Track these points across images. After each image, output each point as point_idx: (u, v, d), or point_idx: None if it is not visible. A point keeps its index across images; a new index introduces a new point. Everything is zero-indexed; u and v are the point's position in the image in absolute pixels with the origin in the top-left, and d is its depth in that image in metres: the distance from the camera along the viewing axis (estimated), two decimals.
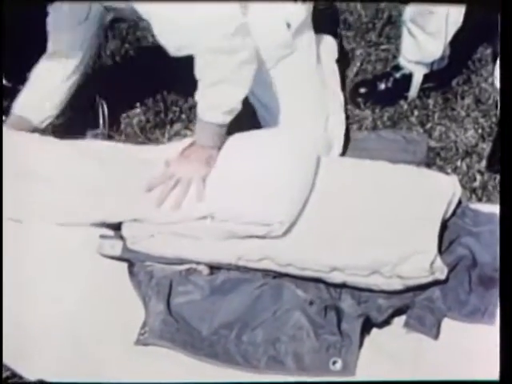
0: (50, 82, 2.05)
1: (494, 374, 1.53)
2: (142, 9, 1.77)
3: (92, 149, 1.99)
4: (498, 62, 2.22)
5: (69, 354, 1.68)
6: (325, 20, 2.33)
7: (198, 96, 1.85)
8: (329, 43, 2.31)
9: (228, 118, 1.86)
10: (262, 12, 2.03)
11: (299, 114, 2.08)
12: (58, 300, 1.76)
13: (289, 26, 2.08)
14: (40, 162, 1.91)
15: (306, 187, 1.88)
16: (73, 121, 2.19)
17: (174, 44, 1.78)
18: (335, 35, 2.35)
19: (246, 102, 1.94)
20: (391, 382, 1.63)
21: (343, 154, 2.14)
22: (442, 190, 1.92)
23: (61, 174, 1.90)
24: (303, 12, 2.11)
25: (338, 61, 2.30)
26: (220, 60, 1.77)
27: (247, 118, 2.03)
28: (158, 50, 1.84)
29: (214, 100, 1.84)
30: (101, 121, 2.18)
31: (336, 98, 2.22)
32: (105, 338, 1.71)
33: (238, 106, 1.86)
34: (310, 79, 2.14)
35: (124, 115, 2.30)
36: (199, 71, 1.80)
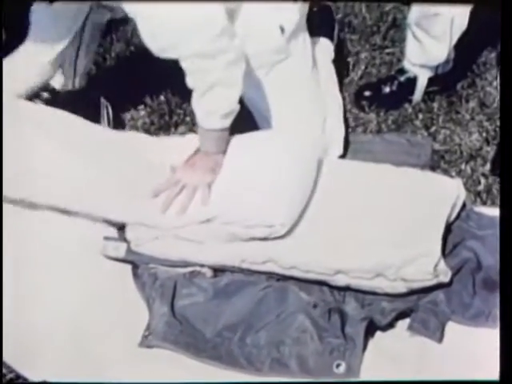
0: (32, 60, 2.01)
1: (496, 377, 1.53)
2: (128, 7, 1.75)
3: (94, 135, 1.98)
4: None
5: (73, 356, 1.69)
6: (320, 22, 2.31)
7: (194, 105, 1.84)
8: (324, 45, 2.28)
9: (227, 122, 1.85)
10: (255, 17, 2.00)
11: (295, 117, 2.06)
12: (62, 302, 1.76)
13: (283, 30, 2.05)
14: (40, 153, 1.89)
15: (306, 188, 1.88)
16: None
17: (158, 45, 1.75)
18: (331, 37, 2.34)
19: (244, 106, 1.94)
20: (394, 382, 1.63)
21: (344, 155, 2.14)
22: (446, 193, 1.92)
23: (61, 165, 1.88)
24: (297, 15, 2.08)
25: (335, 61, 2.29)
26: (208, 64, 1.75)
27: (246, 120, 2.03)
28: None
29: (211, 106, 1.82)
30: (106, 123, 2.18)
31: (334, 99, 2.20)
32: (108, 339, 1.72)
33: (236, 108, 1.84)
34: (305, 83, 2.11)
35: (129, 117, 2.30)
36: (191, 80, 1.79)
